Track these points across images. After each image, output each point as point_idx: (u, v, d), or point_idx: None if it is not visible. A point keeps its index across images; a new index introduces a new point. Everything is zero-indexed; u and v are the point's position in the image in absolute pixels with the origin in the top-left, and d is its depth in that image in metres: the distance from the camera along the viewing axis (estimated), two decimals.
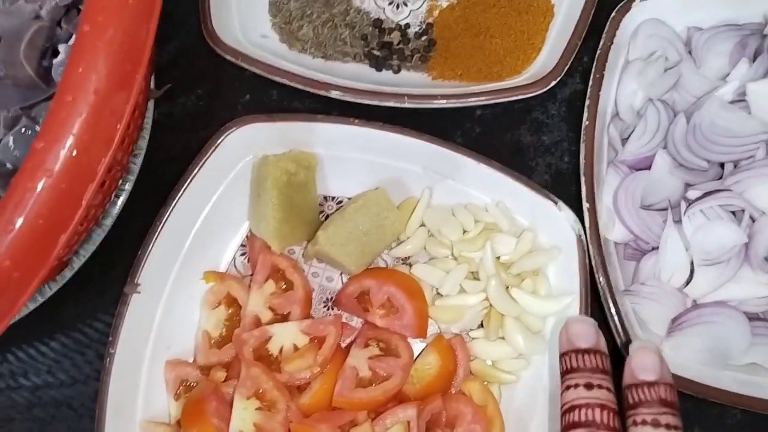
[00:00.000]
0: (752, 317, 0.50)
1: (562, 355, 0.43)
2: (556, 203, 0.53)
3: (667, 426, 0.37)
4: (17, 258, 0.34)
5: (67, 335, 0.61)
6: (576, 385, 0.39)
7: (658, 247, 0.52)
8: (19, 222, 0.34)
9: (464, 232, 0.55)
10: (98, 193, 0.38)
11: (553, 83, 0.55)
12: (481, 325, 0.55)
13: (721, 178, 0.53)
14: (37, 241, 0.35)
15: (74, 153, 0.35)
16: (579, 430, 0.38)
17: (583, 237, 0.52)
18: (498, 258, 0.54)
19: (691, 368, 0.51)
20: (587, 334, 0.42)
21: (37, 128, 0.52)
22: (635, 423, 0.38)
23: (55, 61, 0.53)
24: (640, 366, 0.40)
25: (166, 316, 0.56)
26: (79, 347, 0.60)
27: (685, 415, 0.54)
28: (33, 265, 0.35)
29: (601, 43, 0.56)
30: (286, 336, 0.53)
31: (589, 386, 0.39)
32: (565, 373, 0.41)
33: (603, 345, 0.42)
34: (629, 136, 0.56)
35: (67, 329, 0.61)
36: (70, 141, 0.34)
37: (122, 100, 0.36)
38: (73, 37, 0.54)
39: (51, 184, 0.34)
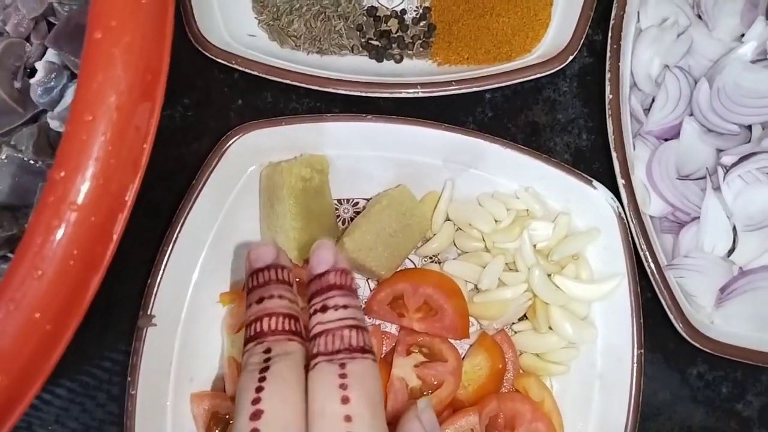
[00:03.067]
0: None
1: (245, 283, 0.40)
2: (590, 182, 0.51)
3: (335, 307, 0.36)
4: (48, 308, 0.30)
5: (73, 379, 0.55)
6: (249, 305, 0.38)
7: (697, 218, 0.51)
8: (47, 266, 0.29)
9: (496, 222, 0.52)
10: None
11: (571, 58, 0.53)
12: (523, 318, 0.53)
13: (750, 140, 0.52)
14: (68, 285, 0.30)
15: (101, 181, 0.30)
16: (249, 345, 0.36)
17: (623, 214, 0.50)
18: (534, 246, 0.52)
19: (742, 336, 0.50)
20: (264, 255, 0.39)
21: (20, 156, 0.47)
22: (309, 316, 0.37)
23: (33, 80, 0.47)
24: (315, 263, 0.38)
25: (185, 347, 0.52)
26: (88, 391, 0.55)
27: (736, 383, 0.54)
28: (66, 314, 0.30)
29: (614, 12, 0.54)
30: None
31: (260, 300, 0.37)
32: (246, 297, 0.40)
33: (284, 260, 0.40)
34: (650, 106, 0.54)
35: (71, 373, 0.55)
36: (94, 167, 0.30)
37: (146, 114, 0.32)
38: (49, 52, 0.49)
39: (78, 219, 0.30)
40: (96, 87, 0.30)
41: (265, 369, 0.33)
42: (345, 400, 0.31)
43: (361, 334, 0.34)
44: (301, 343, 0.35)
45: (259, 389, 0.32)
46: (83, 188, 0.30)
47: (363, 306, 0.54)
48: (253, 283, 0.39)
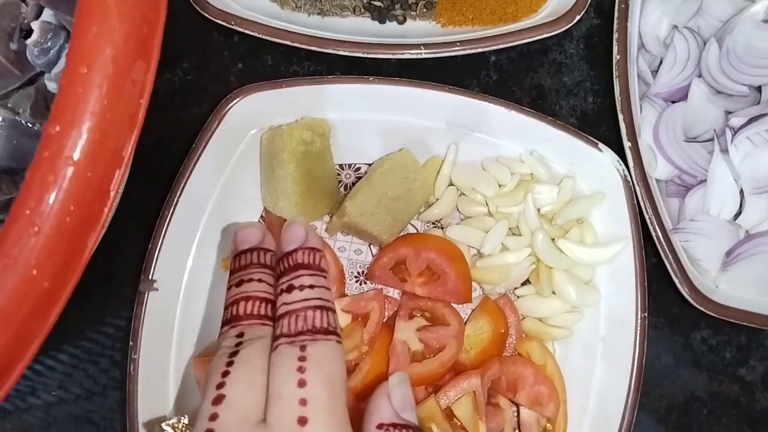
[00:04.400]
0: None
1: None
2: (596, 145, 0.50)
3: (301, 287, 0.35)
4: (46, 266, 0.29)
5: (75, 345, 0.55)
6: (229, 287, 0.38)
7: (703, 181, 0.50)
8: (44, 222, 0.29)
9: (499, 186, 0.52)
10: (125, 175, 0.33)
11: (578, 18, 0.52)
12: (526, 283, 0.52)
13: (759, 102, 0.51)
14: (66, 242, 0.30)
15: (97, 135, 0.29)
16: (224, 328, 0.36)
17: (629, 177, 0.49)
18: (538, 210, 0.51)
19: (747, 300, 0.49)
20: (250, 236, 0.40)
21: (18, 119, 0.46)
22: (276, 295, 0.36)
23: (29, 41, 0.46)
24: (286, 241, 0.38)
25: (187, 312, 0.52)
26: (91, 356, 0.55)
27: (740, 348, 0.54)
28: (64, 272, 0.30)
29: None
30: None
31: (239, 283, 0.37)
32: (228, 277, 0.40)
33: (269, 243, 0.40)
34: (658, 68, 0.53)
35: (74, 338, 0.55)
36: (90, 121, 0.29)
37: (142, 68, 0.31)
38: (45, 12, 0.48)
39: (75, 174, 0.29)
40: (91, 38, 0.29)
41: (235, 353, 0.33)
42: (302, 383, 0.31)
43: (325, 314, 0.34)
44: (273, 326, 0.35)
45: (225, 374, 0.32)
46: (79, 143, 0.29)
47: (365, 271, 0.54)
48: (235, 265, 0.38)
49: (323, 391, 0.31)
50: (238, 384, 0.31)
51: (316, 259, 0.37)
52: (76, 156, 0.29)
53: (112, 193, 0.30)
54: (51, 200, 0.29)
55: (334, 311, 0.35)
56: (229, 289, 0.38)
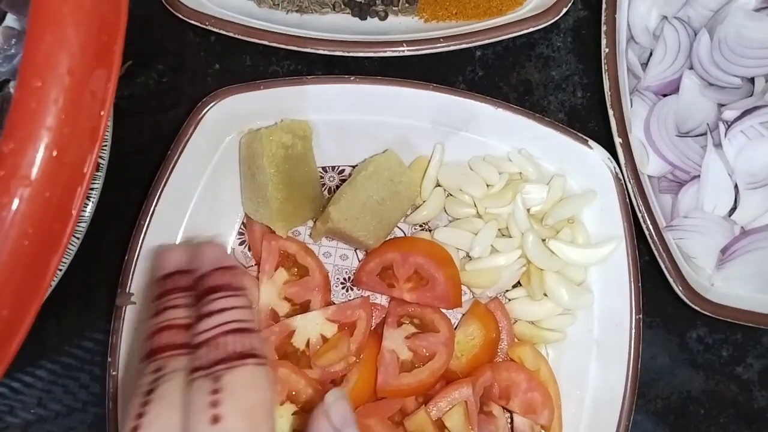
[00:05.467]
0: None
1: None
2: (586, 142, 0.48)
3: (217, 311, 0.33)
4: (3, 292, 0.27)
5: (54, 360, 0.54)
6: (149, 317, 0.35)
7: (697, 177, 0.48)
8: (0, 247, 0.27)
9: (488, 186, 0.50)
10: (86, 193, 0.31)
11: (565, 10, 0.50)
12: (517, 285, 0.51)
13: (752, 94, 0.49)
14: (24, 267, 0.28)
15: (54, 152, 0.27)
16: (141, 364, 0.33)
17: (620, 175, 0.48)
18: (528, 210, 0.50)
19: (744, 298, 0.48)
20: (169, 261, 0.37)
21: None
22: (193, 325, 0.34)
23: None
24: (198, 265, 0.36)
25: None
26: (70, 372, 0.54)
27: (736, 346, 0.52)
28: (24, 298, 0.28)
29: None
30: (310, 327, 0.48)
31: (156, 313, 0.35)
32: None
33: (194, 262, 0.37)
34: (648, 60, 0.51)
35: (52, 354, 0.54)
36: (47, 137, 0.27)
37: (102, 79, 0.29)
38: (8, 17, 0.46)
39: (32, 195, 0.27)
40: (44, 49, 0.27)
41: (150, 392, 0.30)
42: (215, 419, 0.28)
43: (241, 337, 0.32)
44: (187, 356, 0.32)
45: (138, 416, 0.29)
46: (36, 161, 0.27)
47: (351, 277, 0.52)
48: (153, 294, 0.36)
49: (241, 423, 0.29)
50: (153, 427, 0.29)
51: (232, 279, 0.34)
52: (33, 175, 0.27)
53: (74, 212, 0.29)
54: (6, 223, 0.27)
55: (253, 331, 0.32)
56: (147, 320, 0.35)
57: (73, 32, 0.27)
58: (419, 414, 0.44)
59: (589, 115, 0.55)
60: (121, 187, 0.53)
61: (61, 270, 0.49)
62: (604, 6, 0.50)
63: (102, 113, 0.29)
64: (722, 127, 0.47)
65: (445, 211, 0.52)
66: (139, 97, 0.57)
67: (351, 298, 0.52)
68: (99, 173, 0.51)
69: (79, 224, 0.49)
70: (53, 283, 0.49)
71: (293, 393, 0.45)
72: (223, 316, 0.32)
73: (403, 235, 0.52)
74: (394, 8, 0.56)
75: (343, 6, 0.56)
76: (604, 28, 0.50)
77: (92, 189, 0.50)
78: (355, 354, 0.46)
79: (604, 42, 0.49)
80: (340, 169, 0.54)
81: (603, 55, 0.49)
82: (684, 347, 0.53)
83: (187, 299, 0.35)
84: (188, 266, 0.37)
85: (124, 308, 0.47)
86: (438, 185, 0.52)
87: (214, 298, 0.33)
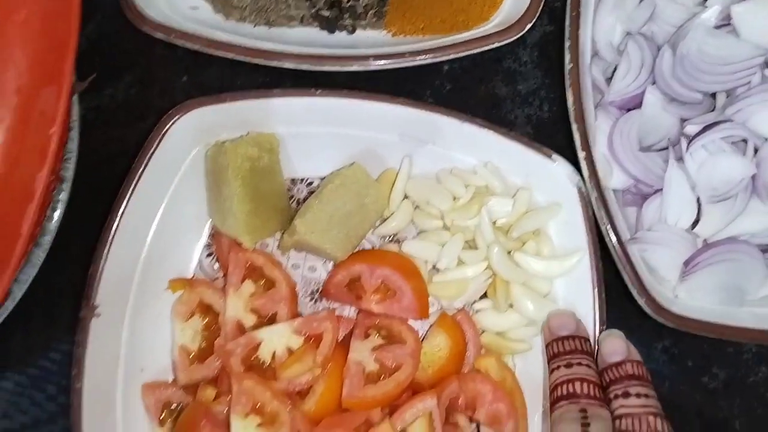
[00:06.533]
0: (765, 249, 0.48)
1: (546, 346, 0.47)
2: (550, 156, 0.49)
3: (637, 395, 0.42)
4: None
5: (21, 372, 0.53)
6: (558, 367, 0.44)
7: (660, 190, 0.49)
8: None
9: (454, 199, 0.51)
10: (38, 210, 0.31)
11: (529, 26, 0.51)
12: (484, 297, 0.51)
13: (714, 109, 0.50)
14: None
15: (1, 171, 0.27)
16: (561, 403, 0.42)
17: (584, 188, 0.48)
18: (494, 223, 0.50)
19: (706, 310, 0.49)
20: (567, 324, 0.46)
21: None
22: (610, 399, 0.43)
23: None
24: (609, 352, 0.45)
25: (134, 336, 0.50)
26: (37, 383, 0.53)
27: (702, 356, 0.53)
28: None
29: None
30: (276, 339, 0.48)
31: (569, 365, 0.44)
32: (549, 360, 0.46)
33: (583, 330, 0.47)
34: (612, 75, 0.52)
35: (18, 365, 0.53)
36: None
37: (52, 97, 0.29)
38: None
39: None
40: None
41: (586, 425, 0.40)
42: None
43: (661, 421, 0.41)
44: (609, 411, 0.42)
45: None
46: None
47: (320, 289, 0.52)
48: (558, 349, 0.45)
49: None
50: None
51: (643, 371, 0.44)
52: None
53: (24, 230, 0.28)
54: None
55: (666, 419, 0.42)
56: (557, 369, 0.44)
57: (20, 52, 0.27)
58: (383, 426, 0.44)
59: (556, 129, 0.55)
60: (89, 198, 0.52)
61: (26, 282, 0.49)
62: (567, 22, 0.50)
63: (51, 131, 0.29)
64: (684, 142, 0.48)
65: (413, 223, 0.52)
66: (106, 109, 0.57)
67: (320, 309, 0.52)
68: (64, 185, 0.50)
69: (43, 236, 0.49)
70: (19, 295, 0.49)
71: (258, 405, 0.45)
72: (647, 400, 0.42)
73: (372, 247, 0.53)
74: (362, 22, 0.56)
75: (311, 19, 0.56)
76: (567, 44, 0.50)
77: (57, 201, 0.50)
78: (321, 366, 0.46)
79: (567, 58, 0.50)
80: (309, 180, 0.54)
81: (566, 70, 0.50)
82: (650, 358, 0.53)
83: (589, 361, 0.44)
84: (580, 332, 0.46)
85: (89, 321, 0.47)
86: (406, 197, 0.52)
87: (633, 384, 0.43)
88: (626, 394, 0.42)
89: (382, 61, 0.51)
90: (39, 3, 0.28)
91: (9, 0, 0.27)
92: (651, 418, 0.41)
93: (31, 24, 0.27)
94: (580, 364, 0.44)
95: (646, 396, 0.42)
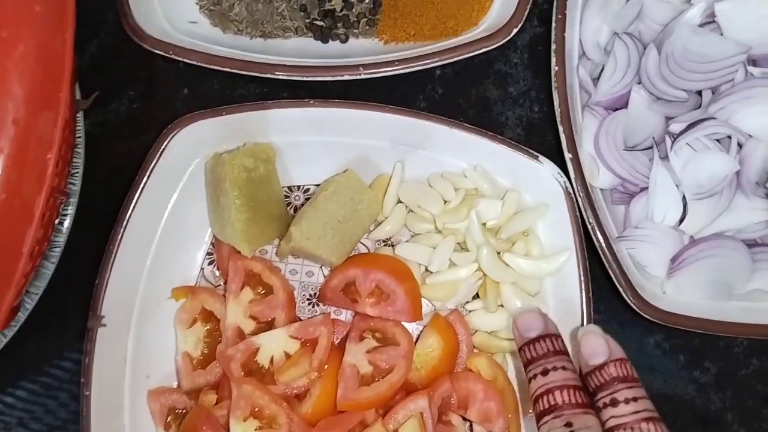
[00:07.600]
0: (750, 244, 0.49)
1: (519, 351, 0.44)
2: (536, 158, 0.50)
3: (626, 400, 0.39)
4: None
5: (34, 381, 0.56)
6: (534, 376, 0.41)
7: (646, 188, 0.50)
8: None
9: (445, 202, 0.52)
10: (39, 230, 0.33)
11: (515, 30, 0.52)
12: (476, 297, 0.53)
13: (699, 107, 0.51)
14: None
15: (2, 196, 0.29)
16: (545, 418, 0.39)
17: (570, 189, 0.49)
18: (484, 224, 0.51)
19: (695, 305, 0.49)
20: (534, 323, 0.44)
21: None
22: (599, 409, 0.40)
23: None
24: (589, 353, 0.42)
25: (139, 344, 0.52)
26: (50, 391, 0.55)
27: (693, 351, 0.54)
28: None
29: None
30: (274, 344, 0.49)
31: (545, 372, 0.41)
32: (525, 367, 0.43)
33: (552, 327, 0.44)
34: (599, 75, 0.53)
35: (32, 374, 0.56)
36: None
37: (49, 124, 0.31)
38: None
39: None
40: None
41: None
42: None
43: (655, 425, 0.38)
44: (595, 416, 0.39)
45: None
46: None
47: (317, 293, 0.54)
48: (531, 354, 0.42)
49: None
50: None
51: (628, 369, 0.41)
52: None
53: (25, 251, 0.30)
54: None
55: (661, 421, 0.39)
56: (534, 378, 0.41)
57: (17, 85, 0.29)
58: (376, 426, 0.46)
59: (546, 129, 0.56)
60: (96, 211, 0.54)
61: (37, 294, 0.51)
62: (553, 25, 0.51)
63: (49, 156, 0.31)
64: (668, 140, 0.49)
65: (407, 226, 0.54)
66: (111, 124, 0.59)
67: (317, 314, 0.53)
68: (72, 199, 0.53)
69: (52, 249, 0.51)
70: (30, 307, 0.51)
71: (256, 409, 0.47)
72: (637, 404, 0.39)
73: (367, 250, 0.54)
74: (354, 31, 0.57)
75: (305, 30, 0.57)
76: (553, 46, 0.51)
77: (65, 214, 0.52)
78: (317, 369, 0.48)
79: (553, 60, 0.51)
80: (306, 187, 0.55)
81: (552, 72, 0.51)
82: (642, 353, 0.54)
83: (565, 362, 0.41)
84: (550, 330, 0.43)
85: (95, 330, 0.49)
86: (399, 202, 0.54)
87: (620, 388, 0.40)
88: (614, 402, 0.39)
89: (372, 70, 0.52)
90: (34, 37, 0.29)
91: (8, 38, 0.28)
92: (644, 424, 0.38)
93: (27, 58, 0.29)
94: (555, 368, 0.41)
95: (635, 399, 0.39)
